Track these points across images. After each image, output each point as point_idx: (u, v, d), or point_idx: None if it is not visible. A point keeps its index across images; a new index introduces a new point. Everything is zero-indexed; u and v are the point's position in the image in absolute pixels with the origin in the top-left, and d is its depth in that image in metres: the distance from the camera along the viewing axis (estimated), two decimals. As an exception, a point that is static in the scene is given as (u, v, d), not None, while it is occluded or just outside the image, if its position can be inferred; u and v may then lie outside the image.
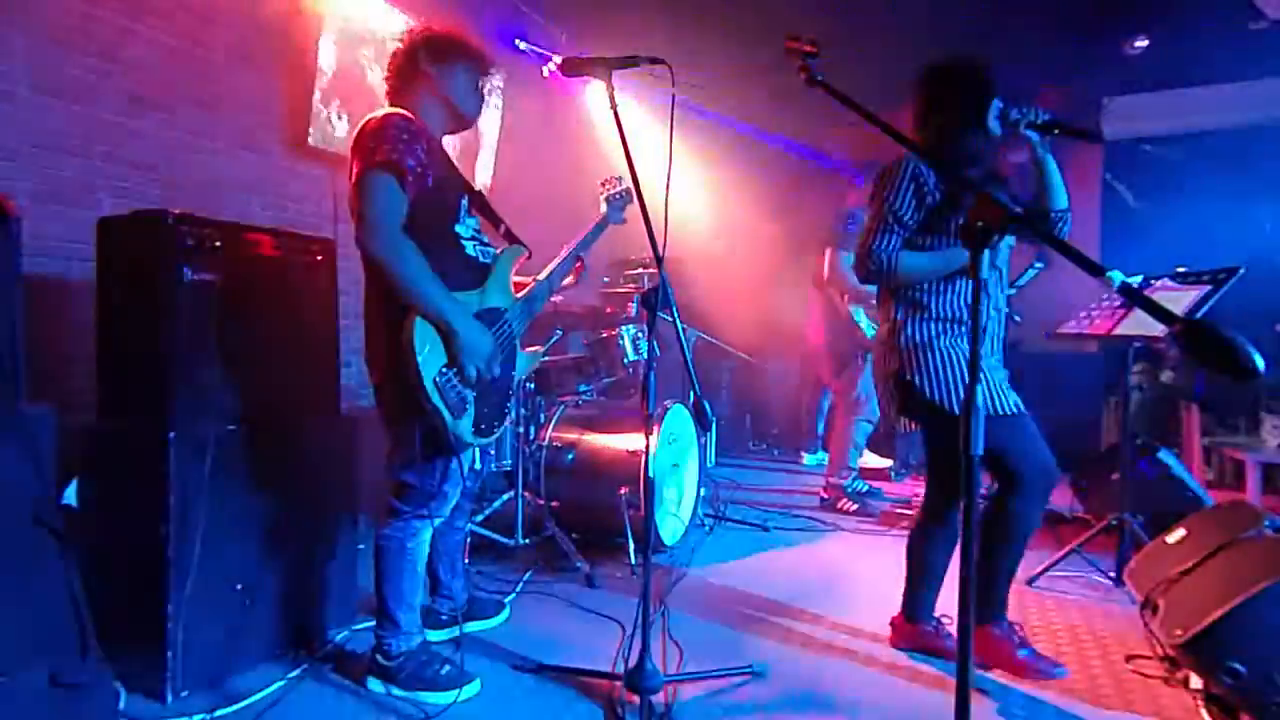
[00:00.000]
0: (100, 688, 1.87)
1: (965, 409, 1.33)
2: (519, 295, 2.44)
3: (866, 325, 4.53)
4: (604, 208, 2.77)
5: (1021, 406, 2.37)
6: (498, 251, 2.39)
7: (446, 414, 2.07)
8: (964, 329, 2.37)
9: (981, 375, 2.19)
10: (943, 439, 2.47)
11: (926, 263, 2.36)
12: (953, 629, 2.43)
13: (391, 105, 2.25)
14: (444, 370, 2.08)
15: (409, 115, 2.15)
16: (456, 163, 2.39)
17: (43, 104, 2.73)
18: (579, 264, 2.64)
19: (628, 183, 2.75)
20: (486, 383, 2.21)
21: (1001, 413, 2.32)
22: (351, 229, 2.04)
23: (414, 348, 2.02)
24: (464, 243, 2.25)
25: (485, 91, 2.36)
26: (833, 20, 4.63)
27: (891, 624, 2.66)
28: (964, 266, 2.31)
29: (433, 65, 2.23)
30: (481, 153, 4.82)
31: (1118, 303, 3.15)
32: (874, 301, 4.51)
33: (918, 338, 2.39)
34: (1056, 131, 2.32)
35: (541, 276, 2.54)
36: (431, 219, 2.15)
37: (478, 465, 2.44)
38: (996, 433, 2.18)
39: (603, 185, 2.80)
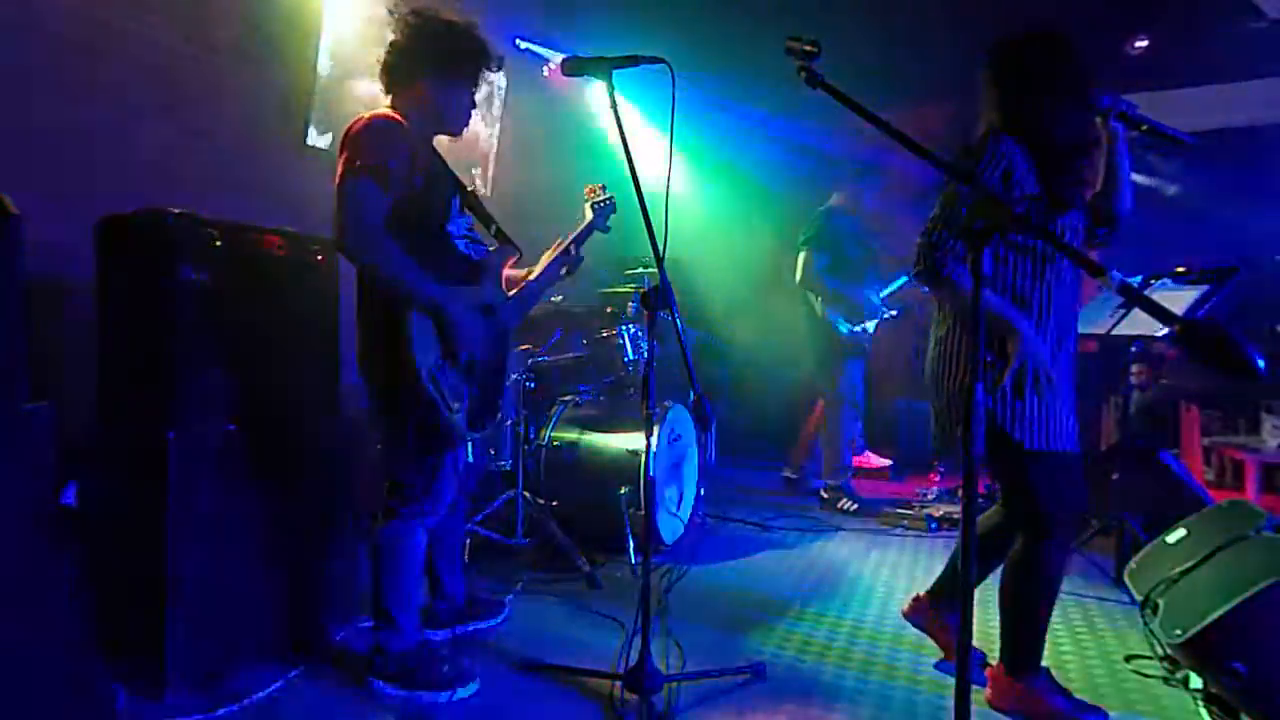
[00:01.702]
0: (100, 688, 1.87)
1: (966, 409, 1.33)
2: (511, 293, 2.44)
3: (843, 327, 4.52)
4: (589, 214, 2.75)
5: (1076, 440, 2.11)
6: (490, 249, 2.39)
7: (441, 406, 2.08)
8: (1057, 355, 2.08)
9: (1041, 395, 2.03)
10: (1011, 471, 2.15)
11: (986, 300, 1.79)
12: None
13: (387, 98, 2.25)
14: (438, 362, 2.09)
15: (395, 117, 2.15)
16: (453, 160, 2.39)
17: (43, 104, 2.72)
18: (572, 255, 2.62)
19: (612, 192, 2.75)
20: (479, 376, 2.22)
21: (1052, 449, 2.06)
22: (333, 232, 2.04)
23: (409, 340, 2.02)
24: (455, 241, 2.26)
25: (476, 100, 2.33)
26: (832, 19, 4.63)
27: (915, 598, 2.61)
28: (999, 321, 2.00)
29: (425, 78, 2.21)
30: (479, 152, 4.82)
31: (1118, 302, 3.15)
32: (853, 303, 4.55)
33: (989, 355, 2.04)
34: (1144, 128, 2.14)
35: (533, 276, 2.54)
36: (422, 218, 2.15)
37: (472, 460, 2.44)
38: (1035, 468, 2.07)
39: (589, 193, 2.79)
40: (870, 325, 4.66)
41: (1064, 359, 2.13)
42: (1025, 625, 2.19)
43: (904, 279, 4.71)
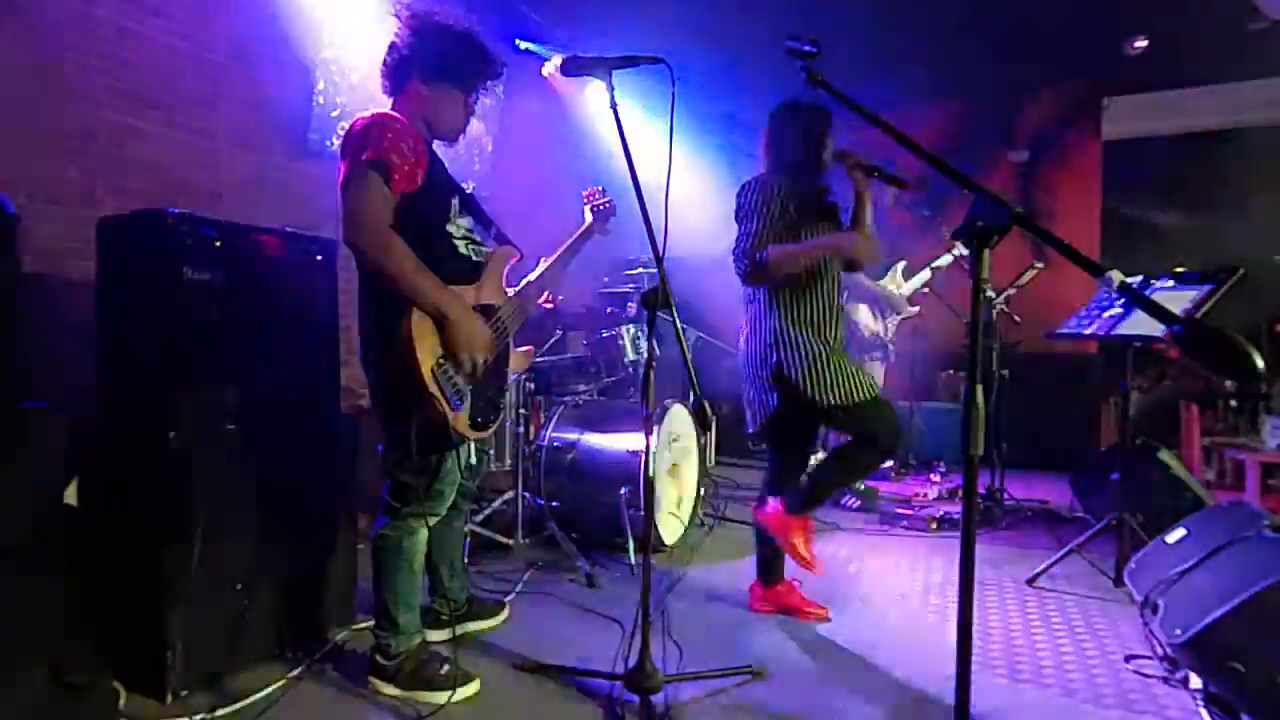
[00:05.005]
0: (100, 687, 1.87)
1: (965, 409, 1.33)
2: (511, 295, 2.44)
3: (868, 323, 4.53)
4: (589, 218, 2.75)
5: (876, 390, 2.71)
6: (490, 251, 2.39)
7: (444, 405, 2.08)
8: (820, 329, 2.73)
9: (834, 367, 2.65)
10: (804, 425, 2.86)
11: (788, 251, 2.64)
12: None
13: (388, 99, 2.26)
14: (441, 361, 2.09)
15: (397, 115, 2.15)
16: (453, 161, 2.39)
17: (43, 104, 2.73)
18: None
19: (610, 195, 2.76)
20: (481, 376, 2.22)
21: (858, 399, 2.65)
22: (340, 227, 2.05)
23: (412, 339, 2.02)
24: (456, 242, 2.26)
25: (473, 107, 2.33)
26: (833, 17, 4.63)
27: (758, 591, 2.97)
28: (816, 254, 2.69)
29: (423, 83, 2.21)
30: (479, 153, 4.82)
31: (1118, 303, 3.15)
32: (879, 299, 4.59)
33: (790, 339, 2.70)
34: (875, 174, 2.67)
35: (532, 277, 2.54)
36: (423, 218, 2.15)
37: (473, 461, 2.45)
38: (858, 415, 2.65)
39: (587, 196, 2.79)
40: (892, 325, 4.68)
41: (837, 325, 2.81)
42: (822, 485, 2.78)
43: (926, 275, 4.76)
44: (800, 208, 2.71)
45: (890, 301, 4.64)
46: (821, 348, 2.69)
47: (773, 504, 2.84)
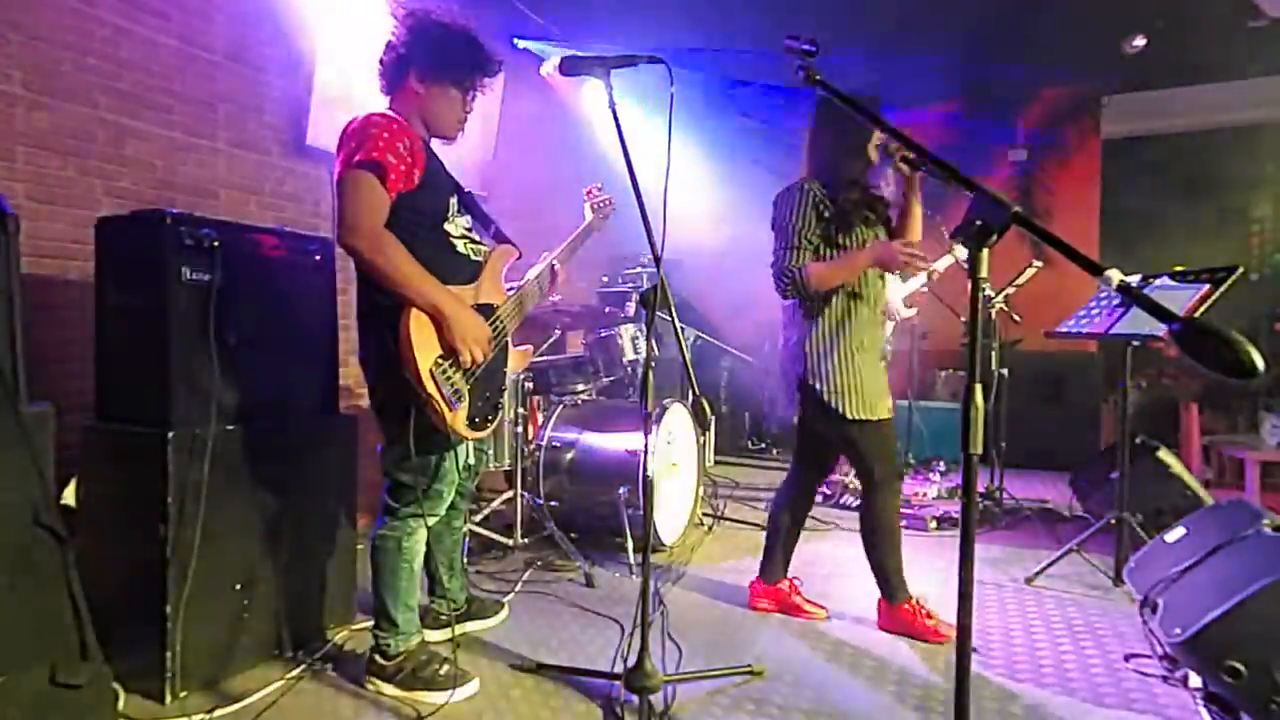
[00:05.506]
0: (100, 688, 1.87)
1: (965, 408, 1.33)
2: (510, 294, 2.44)
3: None
4: (589, 215, 2.77)
5: (890, 410, 2.69)
6: (489, 250, 2.39)
7: (442, 405, 2.08)
8: (849, 335, 2.64)
9: (860, 378, 2.61)
10: (828, 432, 2.73)
11: (828, 267, 2.60)
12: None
13: (385, 99, 2.26)
14: (439, 360, 2.09)
15: (393, 115, 2.15)
16: (452, 161, 2.38)
17: (42, 104, 2.73)
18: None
19: (610, 194, 2.78)
20: (480, 376, 2.22)
21: (871, 418, 2.63)
22: (334, 228, 2.05)
23: (410, 338, 2.02)
24: (454, 240, 2.26)
25: (471, 105, 2.33)
26: (835, 18, 4.63)
27: (752, 590, 2.99)
28: (856, 268, 2.61)
29: (420, 82, 2.21)
30: (479, 151, 4.82)
31: (1116, 301, 3.15)
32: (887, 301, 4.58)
33: (819, 347, 2.65)
34: (923, 168, 2.57)
35: (531, 276, 2.54)
36: (420, 217, 2.15)
37: (471, 461, 2.45)
38: (863, 436, 2.63)
39: (588, 194, 2.80)
40: (888, 327, 4.68)
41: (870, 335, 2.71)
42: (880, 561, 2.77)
43: (923, 276, 4.75)
44: (839, 213, 2.60)
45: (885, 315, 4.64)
46: (848, 354, 2.62)
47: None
